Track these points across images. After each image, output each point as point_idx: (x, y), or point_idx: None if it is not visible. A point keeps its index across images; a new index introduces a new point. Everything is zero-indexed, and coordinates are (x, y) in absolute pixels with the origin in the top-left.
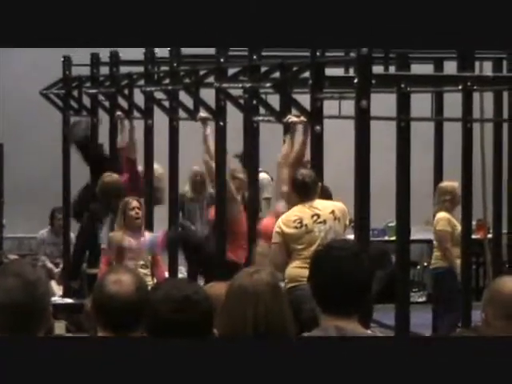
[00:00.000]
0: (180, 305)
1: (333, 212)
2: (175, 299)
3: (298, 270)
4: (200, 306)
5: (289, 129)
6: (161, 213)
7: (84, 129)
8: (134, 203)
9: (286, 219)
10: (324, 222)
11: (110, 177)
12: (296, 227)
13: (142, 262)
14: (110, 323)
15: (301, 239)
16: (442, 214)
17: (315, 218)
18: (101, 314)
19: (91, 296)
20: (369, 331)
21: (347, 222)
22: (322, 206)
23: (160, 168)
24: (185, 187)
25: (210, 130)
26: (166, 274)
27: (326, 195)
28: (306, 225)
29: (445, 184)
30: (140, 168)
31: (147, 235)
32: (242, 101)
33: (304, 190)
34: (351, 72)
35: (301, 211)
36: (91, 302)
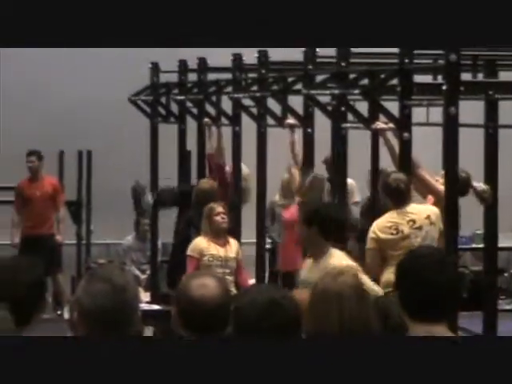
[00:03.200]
0: (267, 309)
1: (428, 217)
2: (262, 303)
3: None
4: (287, 311)
5: (377, 136)
6: (247, 218)
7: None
8: (220, 209)
9: (381, 225)
10: (420, 227)
11: (207, 183)
12: (392, 233)
13: (228, 270)
14: (194, 328)
15: (397, 245)
16: None
17: (411, 223)
18: (185, 319)
19: (175, 301)
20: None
21: (441, 226)
22: (417, 210)
23: (246, 168)
24: (275, 197)
25: (297, 136)
26: (251, 282)
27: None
28: (402, 231)
29: None
30: (228, 168)
31: (232, 243)
32: (329, 107)
33: (399, 196)
34: (439, 79)
35: (396, 217)
36: (175, 307)
